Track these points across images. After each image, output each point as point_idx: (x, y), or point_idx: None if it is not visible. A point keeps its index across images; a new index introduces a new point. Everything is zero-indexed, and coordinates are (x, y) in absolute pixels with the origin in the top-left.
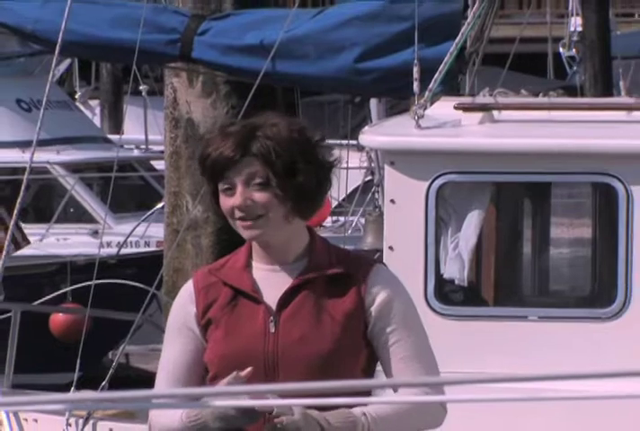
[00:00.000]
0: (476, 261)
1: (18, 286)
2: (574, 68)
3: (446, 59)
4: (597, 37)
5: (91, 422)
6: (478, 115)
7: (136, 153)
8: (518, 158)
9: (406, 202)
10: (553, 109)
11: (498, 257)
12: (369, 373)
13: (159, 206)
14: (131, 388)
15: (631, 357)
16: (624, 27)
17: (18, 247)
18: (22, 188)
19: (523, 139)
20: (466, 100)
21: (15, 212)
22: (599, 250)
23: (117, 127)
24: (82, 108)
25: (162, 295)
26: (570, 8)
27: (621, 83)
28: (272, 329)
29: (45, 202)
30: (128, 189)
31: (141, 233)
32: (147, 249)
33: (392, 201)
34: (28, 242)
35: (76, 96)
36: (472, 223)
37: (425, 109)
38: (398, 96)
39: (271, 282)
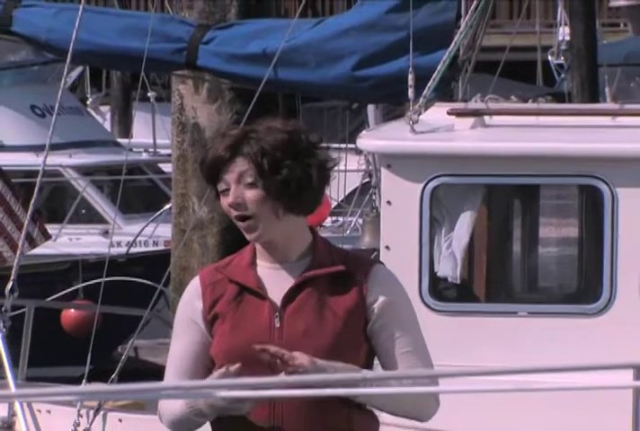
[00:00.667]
0: (469, 260)
1: (32, 284)
2: (562, 76)
3: (439, 67)
4: (584, 45)
5: (101, 413)
6: (470, 120)
7: (144, 156)
8: (508, 161)
9: (402, 203)
10: (542, 114)
11: (489, 255)
12: (368, 367)
13: (167, 207)
14: (140, 380)
15: (615, 351)
16: (610, 36)
17: (34, 244)
18: (36, 190)
19: (513, 143)
20: (459, 105)
21: (29, 213)
22: (585, 249)
23: (126, 131)
24: (93, 113)
25: (169, 292)
26: (558, 18)
27: (607, 90)
28: (277, 324)
29: (58, 204)
30: (136, 191)
31: (150, 233)
32: (156, 248)
33: (388, 202)
34: (48, 237)
35: (88, 102)
36: (464, 223)
37: (420, 114)
38: (394, 102)
39: (276, 279)
